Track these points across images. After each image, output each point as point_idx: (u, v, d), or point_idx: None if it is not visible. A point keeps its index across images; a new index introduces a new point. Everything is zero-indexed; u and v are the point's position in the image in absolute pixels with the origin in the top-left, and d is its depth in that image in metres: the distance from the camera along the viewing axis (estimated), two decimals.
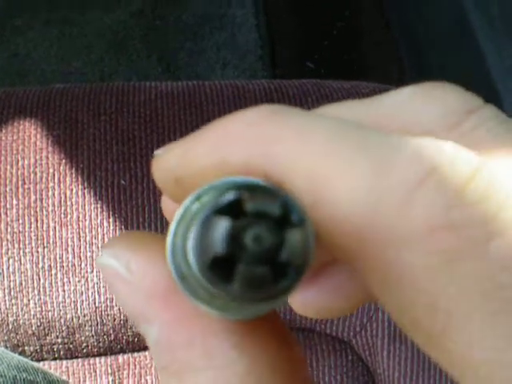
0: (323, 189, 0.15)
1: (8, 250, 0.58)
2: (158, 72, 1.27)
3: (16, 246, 0.58)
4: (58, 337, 0.59)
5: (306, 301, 0.20)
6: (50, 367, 0.60)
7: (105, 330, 0.59)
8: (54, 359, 0.60)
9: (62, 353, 0.60)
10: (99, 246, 0.58)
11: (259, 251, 0.13)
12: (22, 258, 0.58)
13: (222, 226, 0.13)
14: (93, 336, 0.59)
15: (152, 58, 1.28)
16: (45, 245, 0.58)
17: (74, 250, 0.58)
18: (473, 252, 0.14)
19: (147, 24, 1.30)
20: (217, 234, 0.13)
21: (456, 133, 0.17)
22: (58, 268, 0.58)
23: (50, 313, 0.58)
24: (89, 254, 0.58)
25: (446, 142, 0.15)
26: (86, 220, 0.59)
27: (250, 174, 0.16)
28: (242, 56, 1.28)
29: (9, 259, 0.58)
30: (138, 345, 0.60)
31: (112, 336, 0.59)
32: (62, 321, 0.58)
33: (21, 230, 0.58)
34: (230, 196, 0.14)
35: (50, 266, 0.58)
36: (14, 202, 0.59)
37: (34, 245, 0.58)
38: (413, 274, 0.14)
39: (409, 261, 0.14)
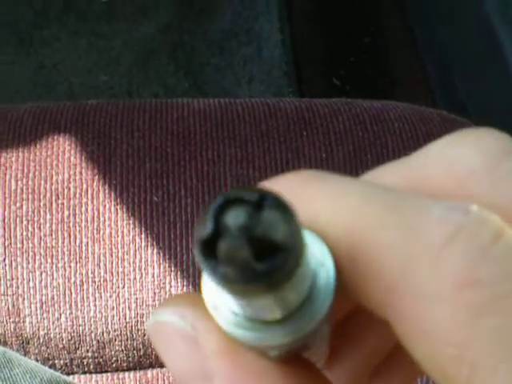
0: (359, 244, 0.16)
1: (41, 264, 0.59)
2: (185, 86, 1.27)
3: (49, 260, 0.59)
4: (88, 351, 0.59)
5: None
6: (80, 381, 0.61)
7: (134, 344, 0.59)
8: (84, 373, 0.61)
9: (91, 367, 0.60)
10: (131, 261, 0.59)
11: (237, 226, 0.14)
12: (55, 272, 0.59)
13: (209, 213, 0.15)
14: (122, 351, 0.60)
15: (179, 72, 1.29)
16: (77, 260, 0.59)
17: (105, 265, 0.59)
18: (497, 307, 0.15)
19: (174, 38, 1.31)
20: (205, 219, 0.15)
21: (495, 175, 0.18)
22: (90, 283, 0.59)
23: (80, 327, 0.59)
24: (120, 270, 0.59)
25: (472, 204, 0.16)
26: (118, 236, 0.59)
27: None
28: (267, 71, 1.28)
29: (41, 273, 0.59)
30: None
31: (142, 351, 0.60)
32: (93, 335, 0.59)
33: (54, 244, 0.59)
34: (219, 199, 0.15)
35: (81, 280, 0.59)
36: (48, 216, 0.60)
37: (66, 260, 0.59)
38: (440, 328, 0.15)
39: (437, 315, 0.15)
